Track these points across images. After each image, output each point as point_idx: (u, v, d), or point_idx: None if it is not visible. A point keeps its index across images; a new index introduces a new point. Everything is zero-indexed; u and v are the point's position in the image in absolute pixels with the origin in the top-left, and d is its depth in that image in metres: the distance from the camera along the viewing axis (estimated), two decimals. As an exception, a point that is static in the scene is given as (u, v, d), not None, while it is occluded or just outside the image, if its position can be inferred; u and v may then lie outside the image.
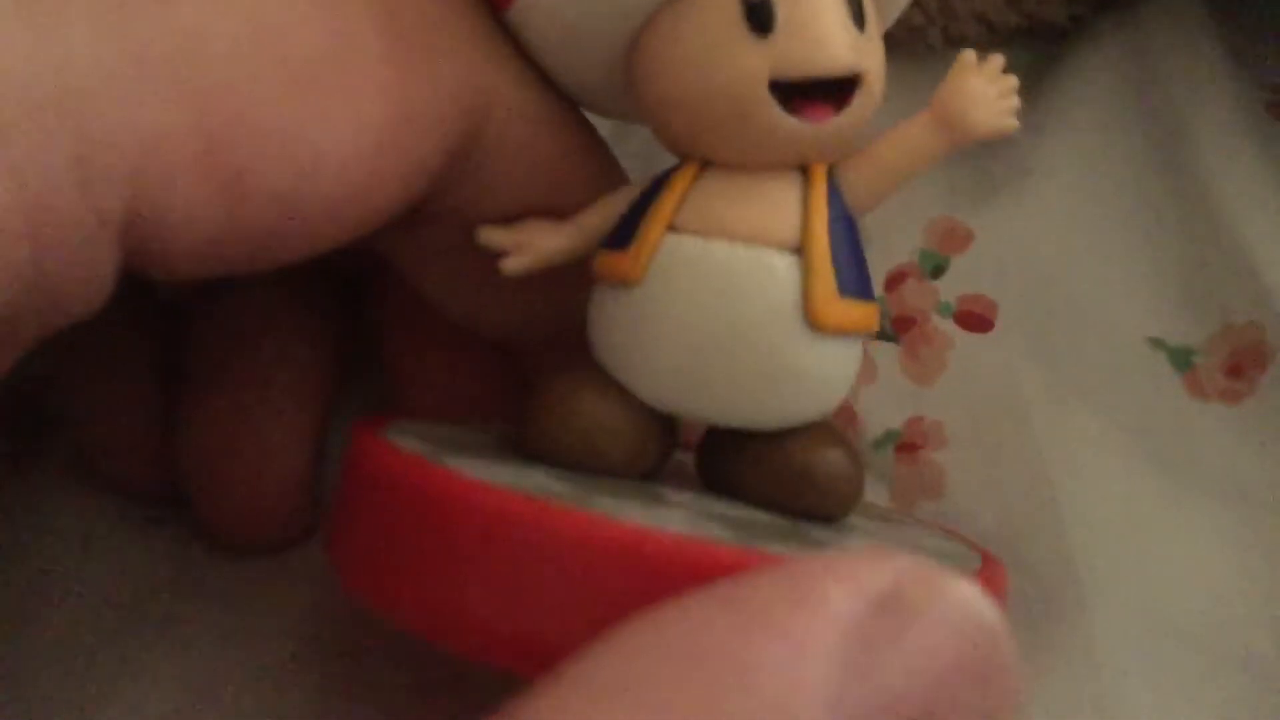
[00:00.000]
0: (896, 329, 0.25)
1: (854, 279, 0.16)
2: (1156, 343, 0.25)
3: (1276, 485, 0.23)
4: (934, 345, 0.25)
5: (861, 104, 0.15)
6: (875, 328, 0.16)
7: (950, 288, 0.25)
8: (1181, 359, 0.25)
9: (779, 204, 0.16)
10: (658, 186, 0.16)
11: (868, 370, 0.24)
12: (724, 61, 0.15)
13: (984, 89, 0.15)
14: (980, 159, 0.28)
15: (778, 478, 0.16)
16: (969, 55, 0.15)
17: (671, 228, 0.16)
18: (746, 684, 0.10)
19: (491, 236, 0.17)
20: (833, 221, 0.16)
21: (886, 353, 0.25)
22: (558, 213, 0.17)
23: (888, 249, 0.26)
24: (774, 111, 0.15)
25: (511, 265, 0.17)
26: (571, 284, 0.17)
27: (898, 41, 0.30)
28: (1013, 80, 0.16)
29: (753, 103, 0.15)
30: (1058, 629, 0.20)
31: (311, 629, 0.20)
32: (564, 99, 0.18)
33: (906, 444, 0.23)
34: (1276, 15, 0.32)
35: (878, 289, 0.26)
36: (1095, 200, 0.28)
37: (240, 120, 0.14)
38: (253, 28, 0.14)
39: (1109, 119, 0.29)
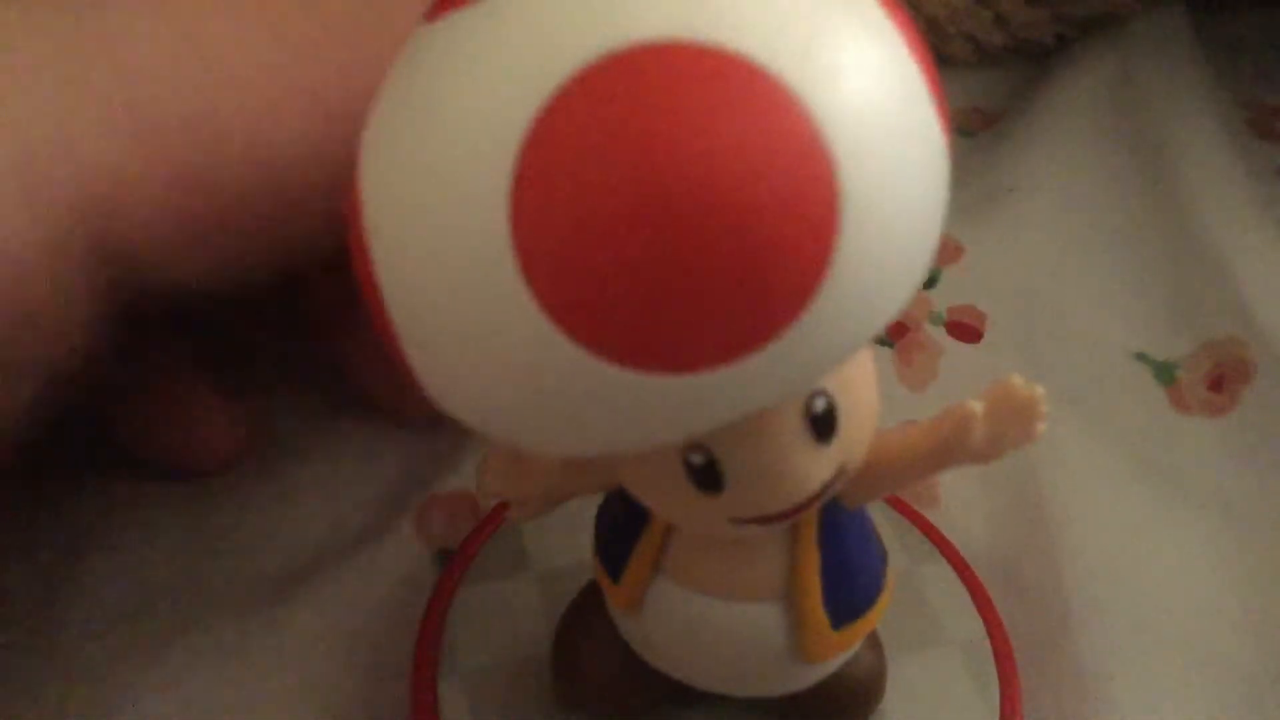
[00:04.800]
0: (891, 335, 0.25)
1: (849, 606, 0.15)
2: (1141, 356, 0.26)
3: (1258, 497, 0.23)
4: (926, 352, 0.25)
5: (838, 485, 0.13)
6: (880, 619, 0.15)
7: (941, 298, 0.26)
8: (1165, 373, 0.25)
9: (763, 555, 0.14)
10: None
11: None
12: (677, 507, 0.13)
13: (995, 425, 0.13)
14: (969, 176, 0.28)
15: (808, 705, 0.16)
16: (971, 410, 0.13)
17: (657, 568, 0.15)
18: None
19: (489, 488, 0.15)
20: (827, 550, 0.14)
21: (882, 357, 0.25)
22: None
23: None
24: (738, 529, 0.13)
25: (516, 515, 0.15)
26: None
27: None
28: (1028, 396, 0.13)
29: (713, 528, 0.13)
30: (1044, 636, 0.20)
31: (315, 650, 0.20)
32: None
33: (900, 451, 0.23)
34: (1257, 34, 0.33)
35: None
36: (1081, 216, 0.28)
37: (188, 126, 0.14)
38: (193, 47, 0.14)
39: (1094, 136, 0.30)
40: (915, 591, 0.19)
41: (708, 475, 0.12)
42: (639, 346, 0.09)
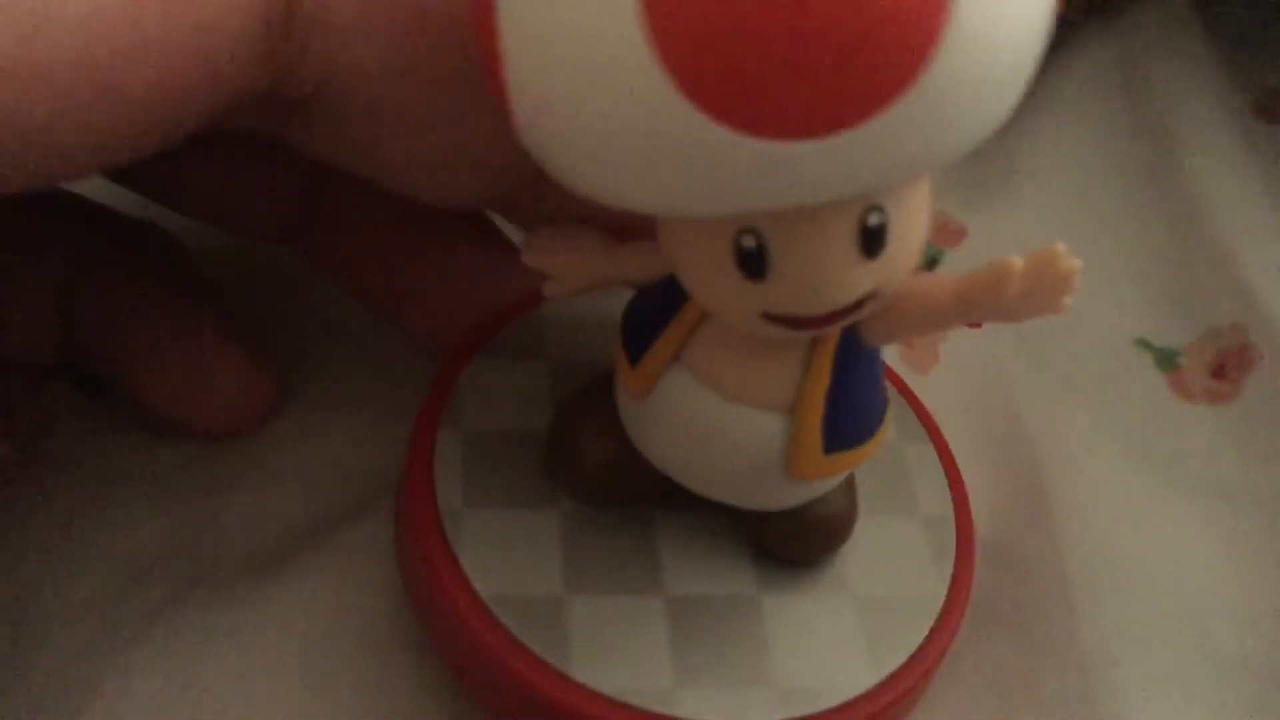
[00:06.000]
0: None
1: (846, 434, 0.15)
2: (1143, 343, 0.26)
3: (1259, 484, 0.23)
4: (929, 335, 0.25)
5: (872, 306, 0.14)
6: (866, 457, 0.16)
7: (944, 279, 0.26)
8: (1167, 360, 0.25)
9: (780, 364, 0.15)
10: (680, 289, 0.15)
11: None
12: (716, 290, 0.14)
13: (1026, 286, 0.13)
14: (972, 159, 0.28)
15: (772, 523, 0.17)
16: (1011, 266, 0.13)
17: (676, 358, 0.15)
18: None
19: (532, 260, 0.16)
20: (839, 375, 0.15)
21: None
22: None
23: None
24: (767, 326, 0.14)
25: (551, 290, 0.17)
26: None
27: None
28: (1066, 268, 0.13)
29: (746, 321, 0.14)
30: (1047, 622, 0.20)
31: (304, 625, 0.19)
32: None
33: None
34: (1262, 18, 0.33)
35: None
36: (1083, 200, 0.28)
37: None
38: None
39: (1097, 121, 0.29)
40: (896, 464, 0.20)
41: (755, 260, 0.13)
42: (755, 111, 0.10)
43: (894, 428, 0.20)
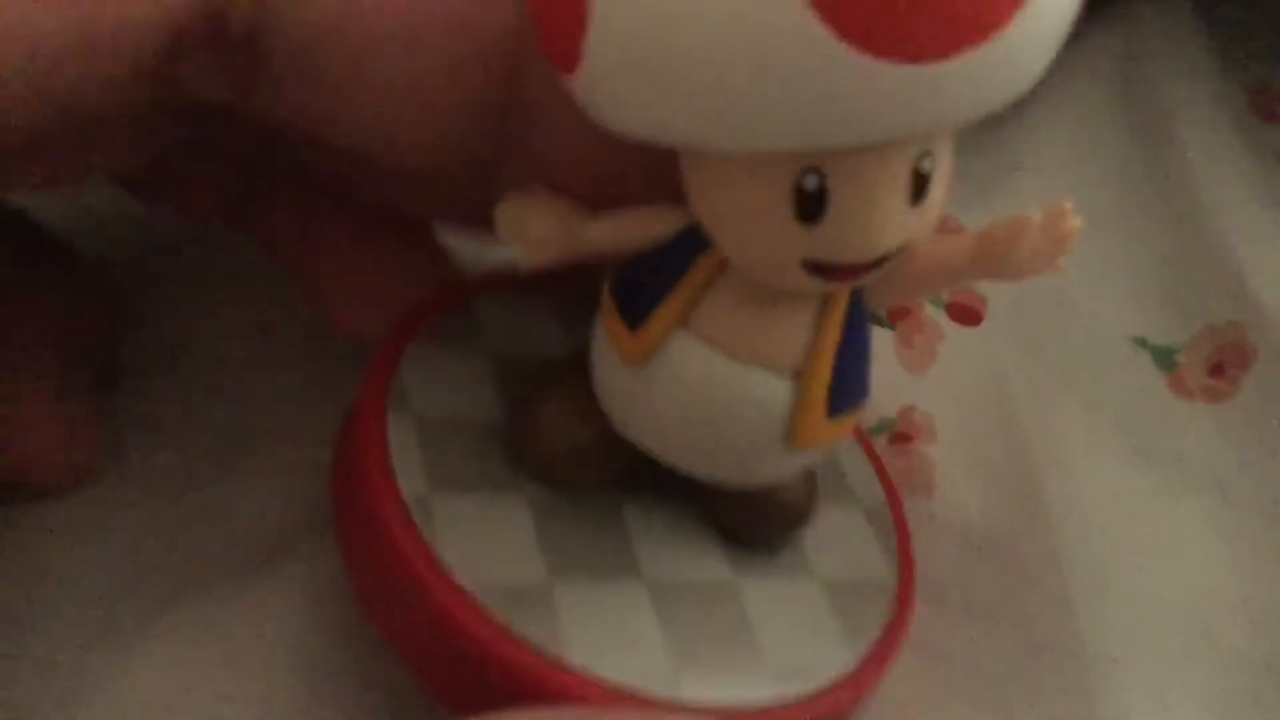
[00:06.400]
0: (892, 318, 0.25)
1: (849, 395, 0.16)
2: (1140, 341, 0.26)
3: (1257, 483, 0.23)
4: (925, 334, 0.25)
5: (897, 261, 0.14)
6: (852, 429, 0.16)
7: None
8: (1165, 358, 0.26)
9: (792, 325, 0.15)
10: (685, 252, 0.15)
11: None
12: (760, 235, 0.14)
13: (1037, 242, 0.14)
14: (971, 156, 0.28)
15: (739, 508, 0.18)
16: (1030, 220, 0.14)
17: (682, 322, 0.15)
18: None
19: (506, 229, 0.16)
20: (846, 334, 0.15)
21: (883, 339, 0.25)
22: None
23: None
24: (801, 277, 0.14)
25: (523, 261, 0.16)
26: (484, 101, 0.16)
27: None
28: (1072, 226, 0.14)
29: (781, 269, 0.14)
30: (1047, 620, 0.20)
31: (296, 625, 0.19)
32: None
33: (900, 435, 0.23)
34: (1261, 19, 0.33)
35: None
36: (1082, 198, 0.27)
37: None
38: None
39: (1096, 119, 0.30)
40: (833, 458, 0.20)
41: (814, 202, 0.13)
42: (871, 28, 0.11)
43: None
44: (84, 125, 0.15)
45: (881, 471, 0.20)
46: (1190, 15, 0.32)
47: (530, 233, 0.16)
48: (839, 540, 0.19)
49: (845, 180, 0.13)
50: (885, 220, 0.13)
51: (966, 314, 0.25)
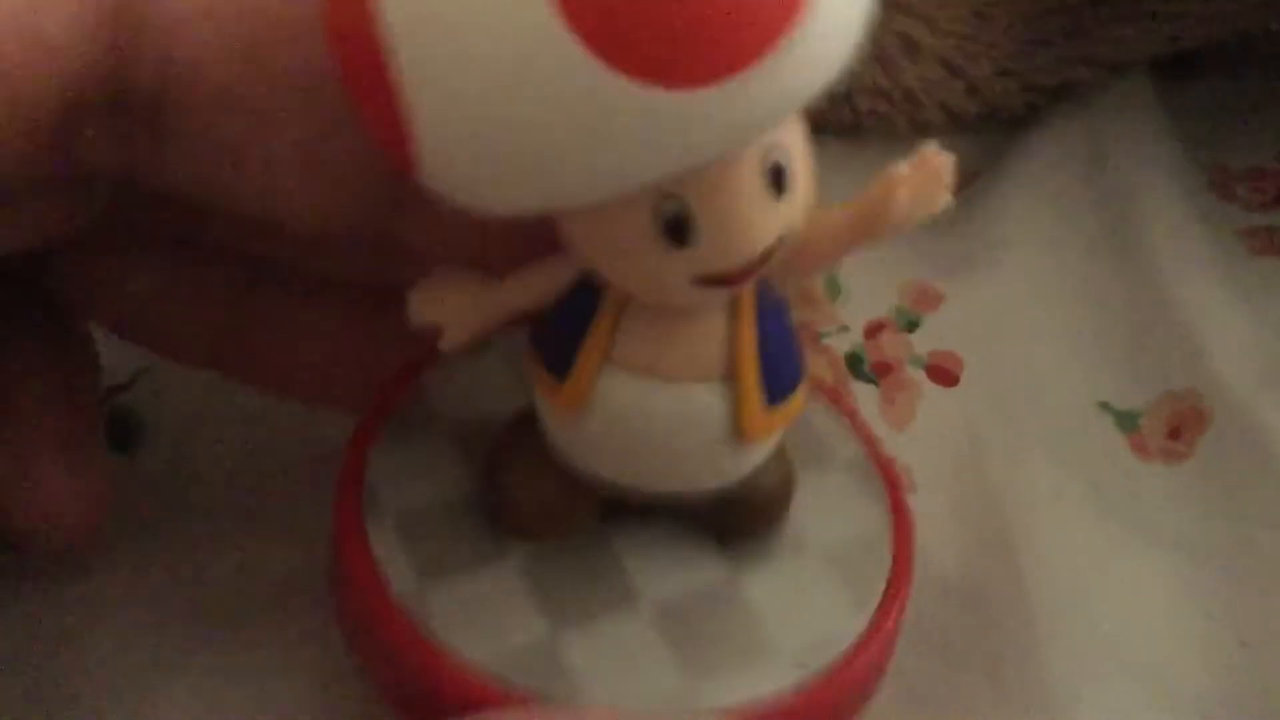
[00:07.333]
0: (876, 373, 0.27)
1: (783, 381, 0.16)
2: (1105, 406, 0.27)
3: (1211, 538, 0.25)
4: (906, 393, 0.26)
5: (785, 248, 0.15)
6: (804, 408, 0.17)
7: (922, 342, 0.27)
8: (1127, 421, 0.27)
9: (707, 332, 0.15)
10: (589, 294, 0.15)
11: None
12: (642, 266, 0.14)
13: (913, 187, 0.15)
14: (948, 232, 0.30)
15: (720, 508, 0.18)
16: (898, 171, 0.15)
17: (606, 358, 0.15)
18: None
19: (420, 315, 0.16)
20: (762, 326, 0.15)
21: (867, 395, 0.26)
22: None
23: (868, 303, 0.28)
24: (697, 292, 0.14)
25: (448, 344, 0.16)
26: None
27: (866, 129, 0.32)
28: (940, 163, 0.15)
29: (674, 291, 0.14)
30: (1015, 664, 0.22)
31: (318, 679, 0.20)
32: None
33: (883, 483, 0.25)
34: (1219, 101, 0.35)
35: (857, 337, 0.27)
36: (1051, 272, 0.29)
37: None
38: None
39: (1063, 197, 0.31)
40: (803, 422, 0.20)
41: (679, 225, 0.14)
42: (652, 60, 0.11)
43: None
44: None
45: (856, 422, 0.21)
46: (1152, 98, 0.34)
47: (444, 315, 0.16)
48: (825, 503, 0.19)
49: (701, 198, 0.13)
50: (753, 222, 0.14)
51: (944, 375, 0.27)
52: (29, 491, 0.19)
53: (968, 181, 0.33)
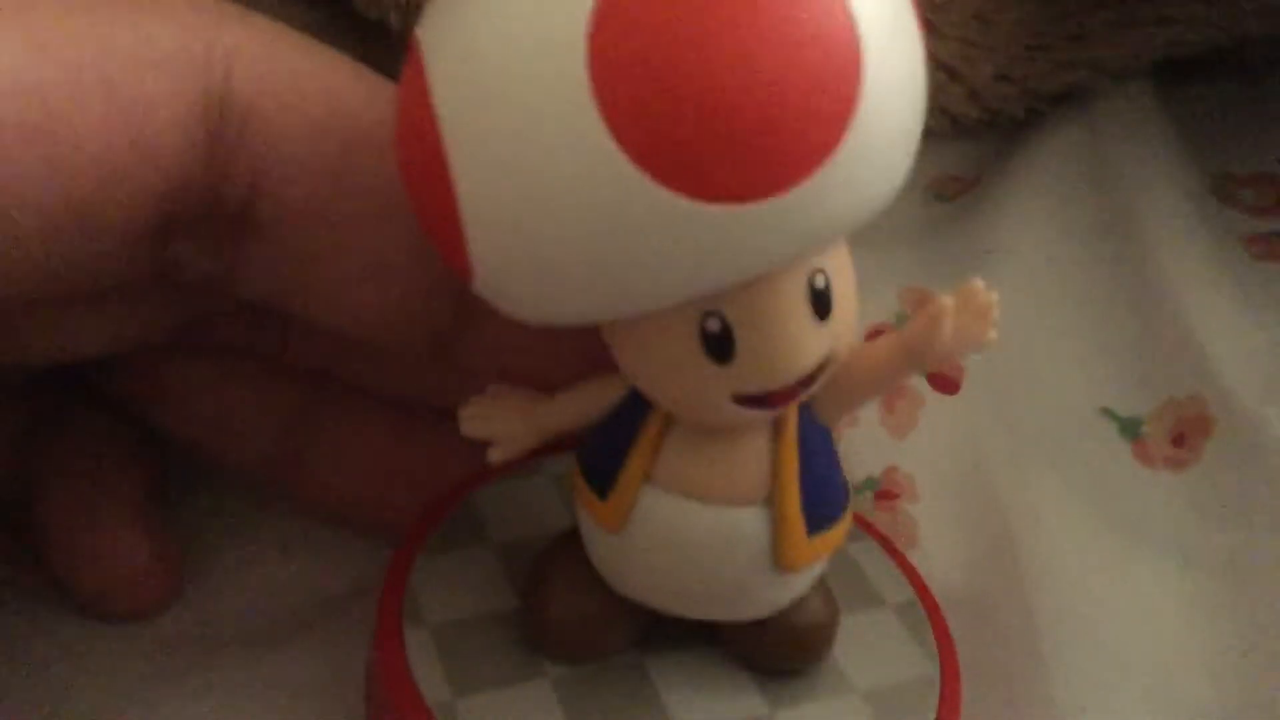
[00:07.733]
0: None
1: (825, 509, 0.16)
2: (1107, 412, 0.27)
3: (1216, 545, 0.24)
4: (907, 400, 0.26)
5: (828, 375, 0.15)
6: (845, 537, 0.16)
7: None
8: (1131, 428, 0.27)
9: (750, 456, 0.15)
10: (634, 412, 0.16)
11: (848, 417, 0.26)
12: (684, 383, 0.14)
13: (957, 323, 0.14)
14: (949, 238, 0.30)
15: (760, 639, 0.17)
16: (944, 304, 0.14)
17: (647, 478, 0.15)
18: None
19: (471, 429, 0.17)
20: (805, 452, 0.15)
21: (867, 404, 0.26)
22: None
23: (868, 309, 0.28)
24: (737, 412, 0.14)
25: (497, 455, 0.17)
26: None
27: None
28: (986, 300, 0.14)
29: (716, 410, 0.14)
30: (1019, 672, 0.22)
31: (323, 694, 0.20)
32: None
33: (885, 492, 0.24)
34: (1221, 106, 0.34)
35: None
36: (1052, 278, 0.29)
37: None
38: None
39: (1065, 203, 0.31)
40: (849, 563, 0.20)
41: (721, 342, 0.14)
42: (698, 175, 0.12)
43: None
44: (75, 297, 0.16)
45: (904, 564, 0.20)
46: (1155, 103, 0.33)
47: (494, 429, 0.17)
48: (872, 646, 0.19)
49: (744, 315, 0.13)
50: (795, 343, 0.14)
51: (945, 383, 0.27)
52: (107, 557, 0.20)
53: (968, 187, 0.33)
